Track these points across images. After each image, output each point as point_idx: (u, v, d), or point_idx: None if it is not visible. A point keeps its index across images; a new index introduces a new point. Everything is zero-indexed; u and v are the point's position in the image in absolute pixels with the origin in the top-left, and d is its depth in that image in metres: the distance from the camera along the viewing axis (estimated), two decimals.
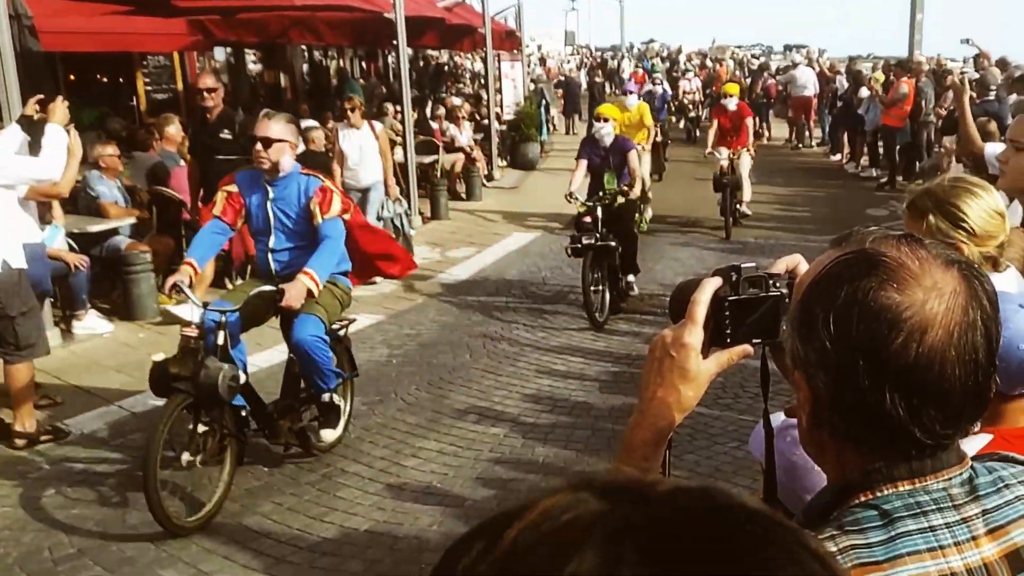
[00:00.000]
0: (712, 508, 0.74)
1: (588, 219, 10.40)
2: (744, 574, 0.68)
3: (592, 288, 10.31)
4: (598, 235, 10.16)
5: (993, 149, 5.25)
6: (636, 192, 10.99)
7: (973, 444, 2.58)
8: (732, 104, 15.79)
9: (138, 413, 7.89)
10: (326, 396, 6.86)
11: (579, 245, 10.09)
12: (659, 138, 20.01)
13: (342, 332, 7.23)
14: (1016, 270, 3.36)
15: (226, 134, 9.92)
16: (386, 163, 12.70)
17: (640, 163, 13.27)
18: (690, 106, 29.08)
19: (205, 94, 10.07)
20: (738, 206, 15.72)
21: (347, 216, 6.79)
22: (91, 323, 9.82)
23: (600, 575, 0.67)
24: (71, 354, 9.23)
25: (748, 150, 15.63)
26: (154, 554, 5.78)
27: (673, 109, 28.62)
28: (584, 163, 11.14)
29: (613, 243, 10.34)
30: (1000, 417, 2.70)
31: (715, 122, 15.97)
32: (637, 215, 12.09)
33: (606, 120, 11.14)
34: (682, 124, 29.09)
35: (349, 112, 12.41)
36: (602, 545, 0.68)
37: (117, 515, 6.20)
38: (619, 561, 0.67)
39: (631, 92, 16.72)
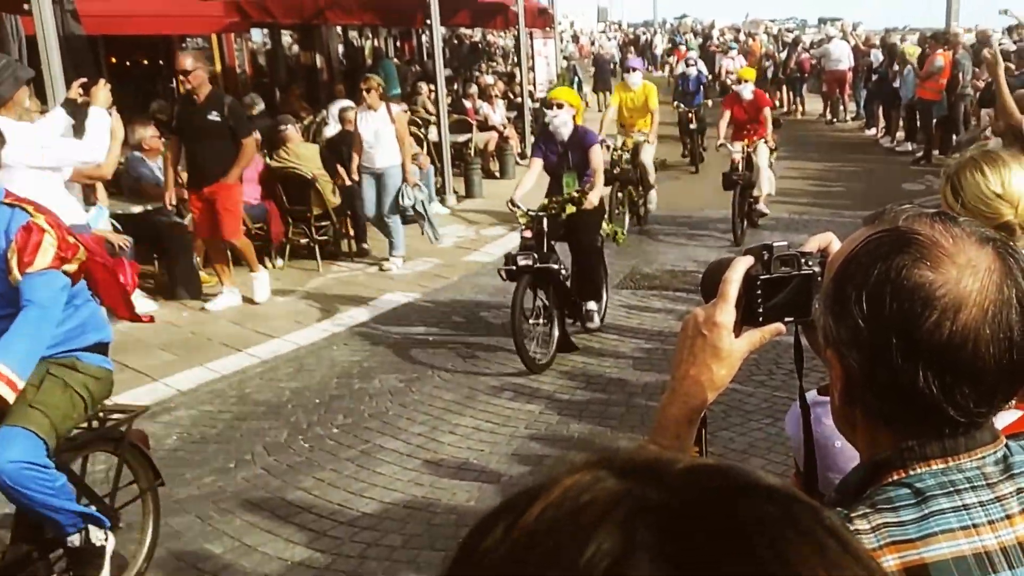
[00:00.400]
0: (729, 487, 0.74)
1: (529, 233, 8.52)
2: (759, 556, 0.68)
3: (534, 321, 8.59)
4: (536, 255, 8.30)
5: None
6: (593, 199, 8.76)
7: (1002, 420, 2.65)
8: (747, 92, 13.81)
9: (184, 390, 8.05)
10: (73, 539, 4.72)
11: (513, 267, 8.31)
12: (693, 124, 19.65)
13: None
14: None
15: (214, 116, 9.73)
16: (403, 148, 11.97)
17: (644, 154, 13.34)
18: (733, 87, 26.22)
19: (182, 76, 9.84)
20: (755, 205, 13.60)
21: (70, 267, 4.42)
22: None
23: (617, 558, 0.67)
24: (116, 333, 9.31)
25: (767, 142, 13.63)
26: (200, 528, 5.93)
27: (715, 89, 27.66)
28: (538, 162, 9.22)
29: (556, 265, 8.46)
30: None
31: (727, 112, 13.90)
32: (606, 225, 9.77)
33: (559, 106, 9.04)
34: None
35: (365, 93, 11.78)
36: (618, 528, 0.69)
37: (164, 491, 6.29)
38: (635, 544, 0.68)
39: (634, 68, 14.49)
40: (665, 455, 0.79)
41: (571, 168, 9.08)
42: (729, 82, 24.32)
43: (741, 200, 12.95)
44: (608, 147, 11.98)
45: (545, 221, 8.56)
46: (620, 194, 13.11)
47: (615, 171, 12.64)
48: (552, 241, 8.66)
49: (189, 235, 10.41)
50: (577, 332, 9.23)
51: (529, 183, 9.02)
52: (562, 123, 8.97)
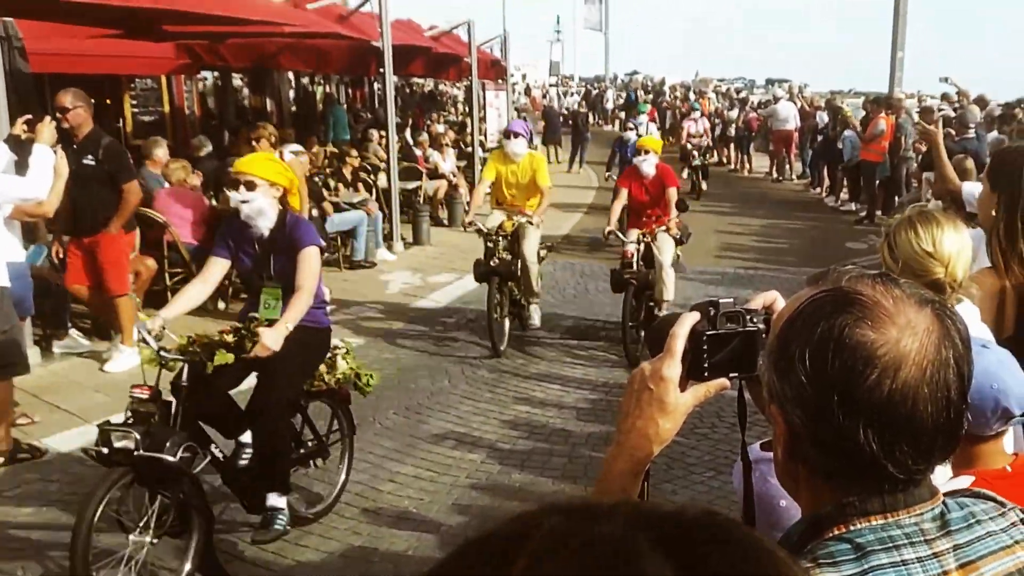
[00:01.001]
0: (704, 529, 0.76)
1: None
2: None
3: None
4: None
5: (971, 188, 5.34)
6: (261, 347, 5.61)
7: (954, 486, 2.67)
8: (649, 166, 10.87)
9: None
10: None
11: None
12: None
13: None
14: (972, 305, 3.41)
15: (89, 159, 8.82)
16: (302, 203, 9.31)
17: (526, 241, 10.65)
18: (695, 152, 23.84)
19: (60, 114, 8.68)
20: (656, 311, 10.48)
21: None
22: (72, 342, 9.83)
23: None
24: (50, 373, 9.23)
25: (668, 229, 10.63)
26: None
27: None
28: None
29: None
30: (977, 459, 2.75)
31: (622, 191, 11.13)
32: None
33: (250, 187, 5.91)
34: (685, 174, 23.07)
35: (255, 143, 10.47)
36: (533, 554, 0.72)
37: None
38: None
39: (516, 134, 11.08)
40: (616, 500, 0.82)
41: (271, 276, 6.14)
42: (690, 146, 24.07)
43: (637, 305, 10.37)
44: (481, 231, 10.63)
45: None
46: (497, 294, 10.42)
47: (491, 263, 10.45)
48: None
49: (130, 275, 10.26)
50: (524, 379, 9.16)
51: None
52: (256, 210, 5.96)
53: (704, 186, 23.50)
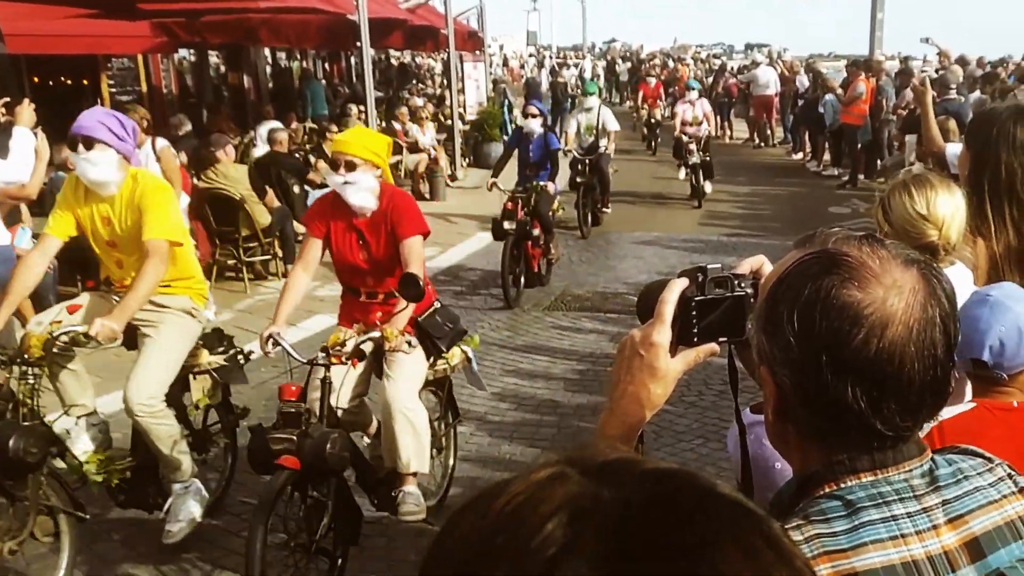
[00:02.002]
0: (679, 492, 0.79)
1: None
2: (689, 558, 0.72)
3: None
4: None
5: (953, 149, 5.35)
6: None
7: (956, 409, 2.74)
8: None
9: (109, 413, 7.89)
10: None
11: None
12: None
13: None
14: (965, 268, 3.44)
15: None
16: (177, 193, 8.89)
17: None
18: (691, 146, 17.81)
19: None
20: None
21: None
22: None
23: (559, 551, 0.72)
24: None
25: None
26: (124, 553, 5.88)
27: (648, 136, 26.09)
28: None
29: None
30: (992, 395, 2.88)
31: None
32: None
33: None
34: (682, 174, 18.88)
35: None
36: (566, 524, 0.74)
37: (91, 519, 6.23)
38: (576, 541, 0.73)
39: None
40: (630, 456, 0.85)
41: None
42: (686, 138, 17.96)
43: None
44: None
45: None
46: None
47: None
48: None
49: None
50: (511, 351, 9.19)
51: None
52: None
53: (708, 189, 18.30)
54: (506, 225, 11.32)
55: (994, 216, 3.91)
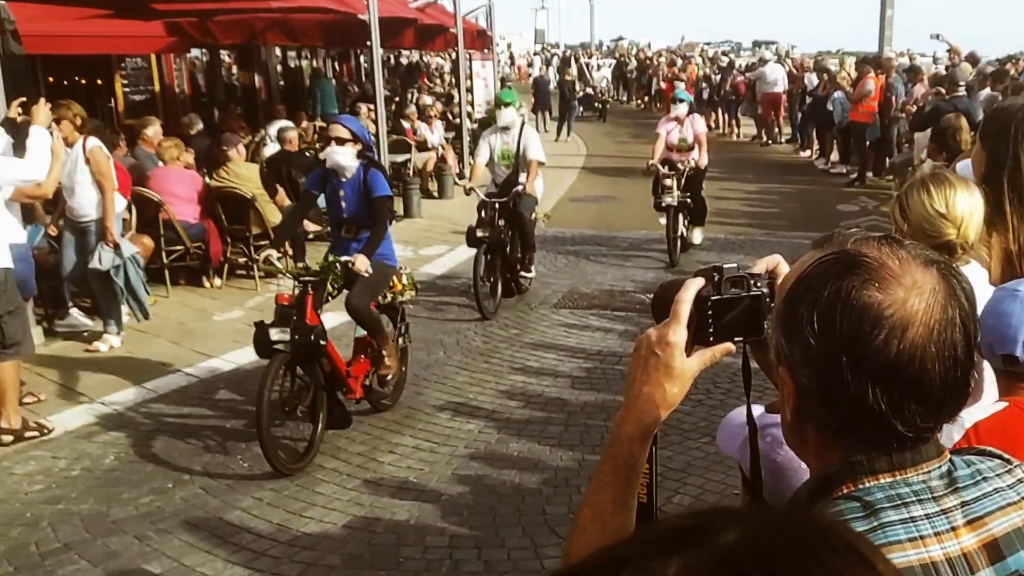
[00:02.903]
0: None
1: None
2: None
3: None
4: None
5: (962, 167, 5.30)
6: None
7: (989, 410, 2.72)
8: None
9: (120, 410, 8.02)
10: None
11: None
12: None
13: None
14: (980, 267, 3.42)
15: None
16: (105, 194, 9.29)
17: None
18: (668, 181, 12.80)
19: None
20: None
21: None
22: (73, 321, 9.94)
23: None
24: (53, 352, 9.34)
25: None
26: (138, 548, 5.90)
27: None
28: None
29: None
30: (1021, 392, 2.81)
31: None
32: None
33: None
34: (663, 221, 13.23)
35: (55, 125, 8.23)
36: None
37: (102, 511, 6.32)
38: None
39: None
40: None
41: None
42: (664, 168, 12.98)
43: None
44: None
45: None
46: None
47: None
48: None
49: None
50: (519, 348, 9.32)
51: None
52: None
53: (697, 239, 13.83)
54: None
55: (1012, 213, 3.93)
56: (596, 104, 35.65)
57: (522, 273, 11.65)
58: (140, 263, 9.68)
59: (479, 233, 10.52)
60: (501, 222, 10.75)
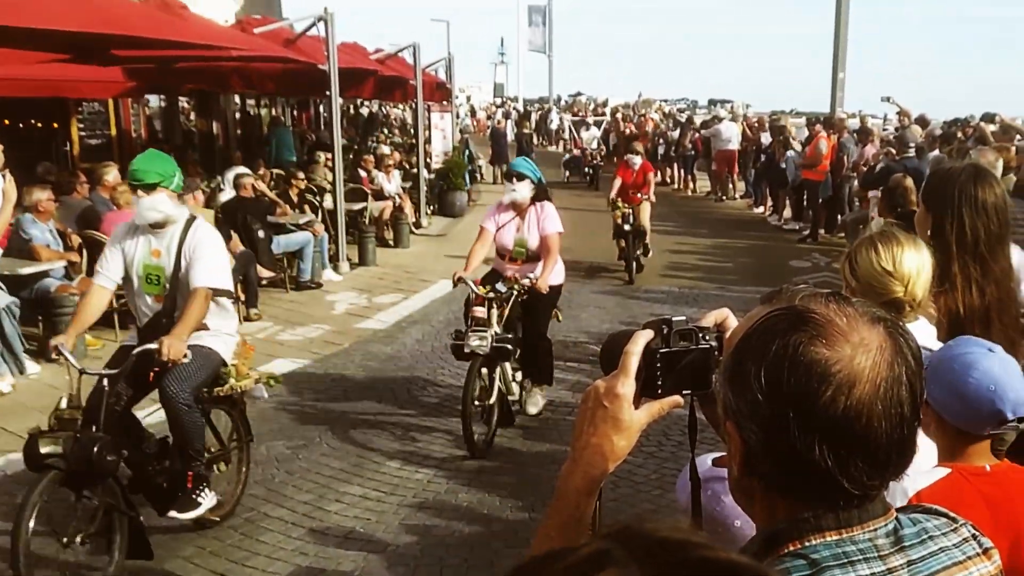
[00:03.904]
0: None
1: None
2: None
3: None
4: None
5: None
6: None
7: (932, 476, 2.72)
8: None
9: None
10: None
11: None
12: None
13: None
14: (928, 324, 3.45)
15: None
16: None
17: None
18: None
19: None
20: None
21: None
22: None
23: None
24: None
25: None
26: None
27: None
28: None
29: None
30: (964, 457, 2.82)
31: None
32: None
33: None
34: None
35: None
36: None
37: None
38: None
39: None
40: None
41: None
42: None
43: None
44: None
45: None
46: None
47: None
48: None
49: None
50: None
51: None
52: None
53: (534, 408, 9.17)
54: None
55: (960, 274, 3.97)
56: (586, 169, 31.75)
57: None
58: (15, 315, 9.48)
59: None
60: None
